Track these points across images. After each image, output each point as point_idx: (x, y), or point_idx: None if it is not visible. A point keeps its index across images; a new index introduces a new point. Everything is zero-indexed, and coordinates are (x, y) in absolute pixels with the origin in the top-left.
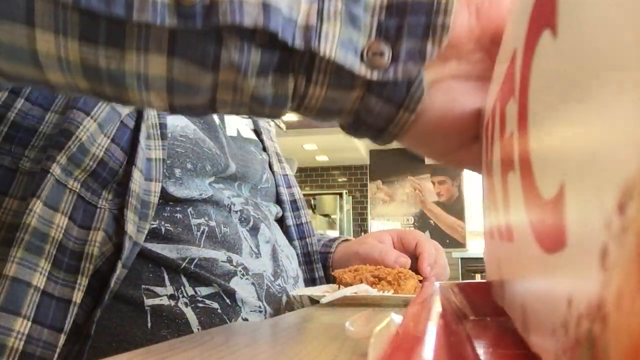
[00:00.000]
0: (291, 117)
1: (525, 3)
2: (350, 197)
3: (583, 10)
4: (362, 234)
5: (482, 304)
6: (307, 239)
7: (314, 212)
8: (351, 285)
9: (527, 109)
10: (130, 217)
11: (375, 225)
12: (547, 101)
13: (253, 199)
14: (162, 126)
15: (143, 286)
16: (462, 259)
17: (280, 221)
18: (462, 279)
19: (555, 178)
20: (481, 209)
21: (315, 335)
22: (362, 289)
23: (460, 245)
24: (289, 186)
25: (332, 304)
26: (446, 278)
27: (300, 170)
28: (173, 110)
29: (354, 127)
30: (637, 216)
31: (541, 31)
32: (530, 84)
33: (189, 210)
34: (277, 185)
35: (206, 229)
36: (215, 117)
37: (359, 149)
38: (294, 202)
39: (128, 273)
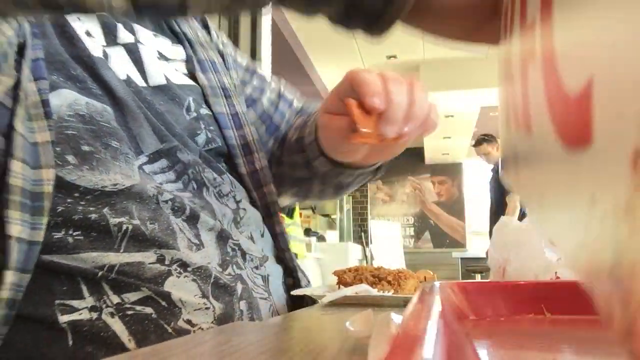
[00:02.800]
0: None
1: None
2: (350, 197)
3: None
4: (362, 234)
5: (482, 304)
6: (265, 188)
7: (314, 212)
8: (351, 285)
9: None
10: (14, 217)
11: (375, 225)
12: None
13: (195, 179)
14: (45, 103)
15: (57, 301)
16: (462, 259)
17: (234, 171)
18: (462, 279)
19: (582, 71)
20: (481, 206)
21: (315, 335)
22: (362, 289)
23: (460, 245)
24: (239, 127)
25: (332, 304)
26: (432, 125)
27: None
28: (138, 11)
29: (346, 15)
30: None
31: None
32: None
33: (104, 210)
34: (221, 128)
35: (129, 227)
36: (133, 71)
37: None
38: (245, 145)
39: (35, 289)
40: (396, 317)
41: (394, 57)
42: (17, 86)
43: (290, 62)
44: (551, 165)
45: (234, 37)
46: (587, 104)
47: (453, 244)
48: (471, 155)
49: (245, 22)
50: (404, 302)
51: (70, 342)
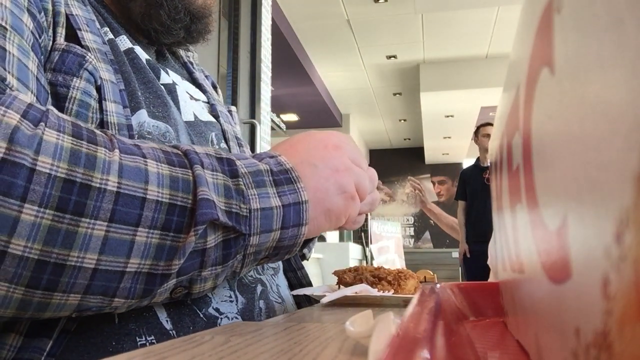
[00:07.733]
0: (291, 117)
1: (526, 41)
2: None
3: (577, 48)
4: (362, 234)
5: (482, 304)
6: None
7: None
8: (351, 285)
9: (530, 144)
10: None
11: (375, 225)
12: (548, 136)
13: None
14: (129, 128)
15: None
16: None
17: None
18: (462, 280)
19: (558, 209)
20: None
21: (316, 335)
22: (362, 289)
23: None
24: None
25: (332, 304)
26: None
27: None
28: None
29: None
30: (634, 244)
31: (541, 69)
32: (533, 119)
33: None
34: None
35: None
36: (171, 103)
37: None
38: None
39: None
40: (396, 317)
41: (394, 57)
42: (101, 124)
43: (290, 62)
44: (542, 302)
45: (234, 37)
46: (564, 239)
47: (453, 244)
48: (471, 155)
49: (245, 22)
50: (404, 302)
51: (117, 320)
